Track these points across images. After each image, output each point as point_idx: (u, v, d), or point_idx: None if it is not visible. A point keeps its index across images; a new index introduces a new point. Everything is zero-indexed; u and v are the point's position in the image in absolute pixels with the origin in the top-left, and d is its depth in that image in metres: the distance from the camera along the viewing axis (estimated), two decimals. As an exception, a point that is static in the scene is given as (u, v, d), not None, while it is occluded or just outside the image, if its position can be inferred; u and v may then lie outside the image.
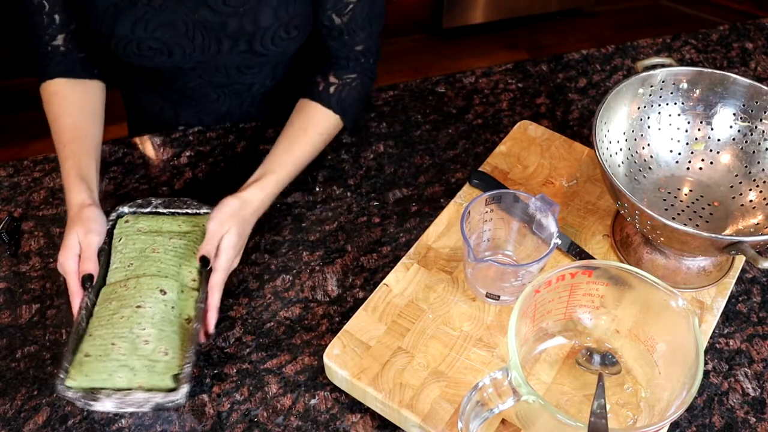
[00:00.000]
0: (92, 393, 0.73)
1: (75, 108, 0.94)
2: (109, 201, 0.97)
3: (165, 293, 0.80)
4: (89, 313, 0.80)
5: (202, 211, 0.89)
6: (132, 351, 0.75)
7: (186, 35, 0.92)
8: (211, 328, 0.80)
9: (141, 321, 0.77)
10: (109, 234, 0.87)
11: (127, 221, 0.88)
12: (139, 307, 0.78)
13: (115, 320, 0.77)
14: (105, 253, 0.85)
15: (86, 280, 0.80)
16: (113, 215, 0.88)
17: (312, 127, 0.94)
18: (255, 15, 0.91)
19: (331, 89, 0.96)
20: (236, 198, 0.85)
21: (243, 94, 1.06)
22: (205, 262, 0.81)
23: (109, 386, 0.74)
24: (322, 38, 0.98)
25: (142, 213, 0.89)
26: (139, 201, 0.89)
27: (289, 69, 1.06)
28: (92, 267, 0.81)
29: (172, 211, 0.89)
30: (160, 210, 0.89)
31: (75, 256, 0.81)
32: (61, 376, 0.74)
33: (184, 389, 0.73)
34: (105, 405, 0.73)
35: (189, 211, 0.89)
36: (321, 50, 1.00)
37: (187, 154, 1.04)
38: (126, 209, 0.89)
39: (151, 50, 0.93)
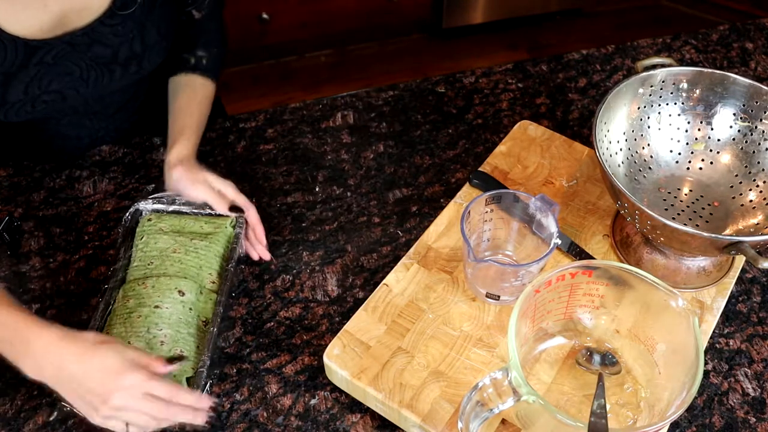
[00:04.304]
0: None
1: None
2: (109, 201, 0.97)
3: (183, 294, 0.80)
4: (107, 310, 0.80)
5: (224, 212, 0.89)
6: (148, 351, 0.75)
7: (81, 77, 0.91)
8: (267, 255, 0.89)
9: (158, 321, 0.77)
10: (131, 232, 0.87)
11: (149, 219, 0.88)
12: (157, 307, 0.78)
13: (133, 319, 0.77)
14: (126, 251, 0.85)
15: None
16: (131, 209, 0.88)
17: (198, 96, 0.99)
18: (142, 36, 0.92)
19: (204, 61, 1.01)
20: (179, 164, 0.88)
21: (108, 118, 1.05)
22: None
23: None
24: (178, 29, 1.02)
25: (165, 212, 0.89)
26: (161, 197, 0.89)
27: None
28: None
29: (195, 211, 0.89)
30: (183, 209, 0.89)
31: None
32: None
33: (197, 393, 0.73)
34: None
35: (212, 211, 0.89)
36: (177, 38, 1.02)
37: (187, 154, 1.03)
38: (149, 205, 0.89)
39: (45, 103, 0.90)
